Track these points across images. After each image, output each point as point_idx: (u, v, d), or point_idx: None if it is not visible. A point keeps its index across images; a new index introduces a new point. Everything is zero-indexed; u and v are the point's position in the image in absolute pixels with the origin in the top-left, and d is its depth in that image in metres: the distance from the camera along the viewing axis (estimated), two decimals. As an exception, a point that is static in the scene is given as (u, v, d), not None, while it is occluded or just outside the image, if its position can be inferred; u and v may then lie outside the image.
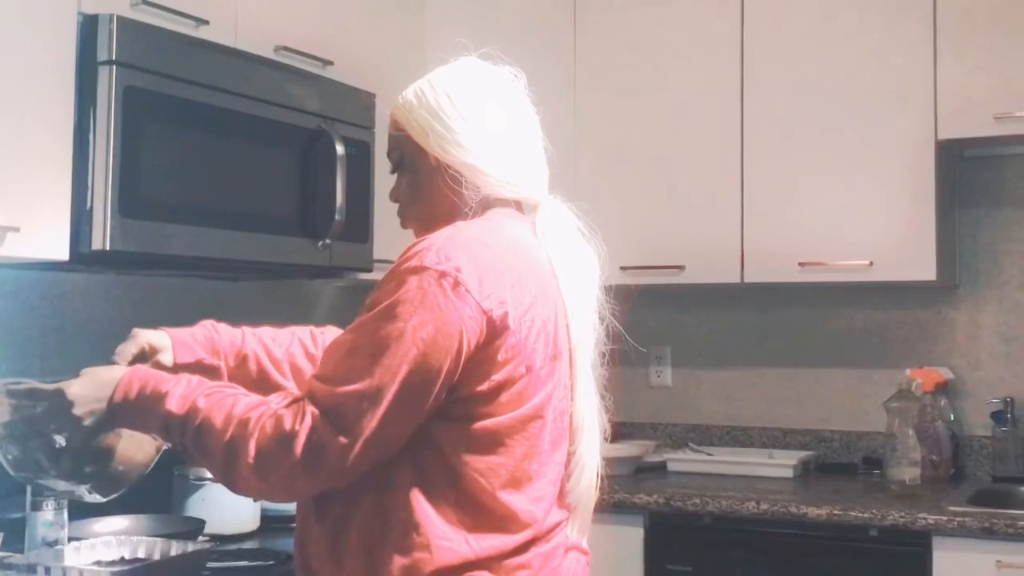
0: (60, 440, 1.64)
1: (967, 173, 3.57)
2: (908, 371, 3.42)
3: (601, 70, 3.66)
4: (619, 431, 3.90)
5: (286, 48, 2.82)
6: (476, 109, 1.72)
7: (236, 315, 3.14)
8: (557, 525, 1.68)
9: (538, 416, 1.61)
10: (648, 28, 3.61)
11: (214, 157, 2.56)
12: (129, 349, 1.85)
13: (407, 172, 1.75)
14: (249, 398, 1.57)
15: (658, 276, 3.54)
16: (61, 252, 2.29)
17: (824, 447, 3.70)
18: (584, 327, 1.74)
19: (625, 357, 3.88)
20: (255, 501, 2.69)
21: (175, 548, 2.19)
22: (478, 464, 1.56)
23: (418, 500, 1.54)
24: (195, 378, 1.63)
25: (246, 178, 2.64)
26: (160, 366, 1.81)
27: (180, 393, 1.58)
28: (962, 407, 3.53)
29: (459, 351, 1.51)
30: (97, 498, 1.78)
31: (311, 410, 1.50)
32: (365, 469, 1.52)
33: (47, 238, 2.25)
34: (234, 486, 1.57)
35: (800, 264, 3.36)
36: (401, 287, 1.51)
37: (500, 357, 1.55)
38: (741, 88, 3.47)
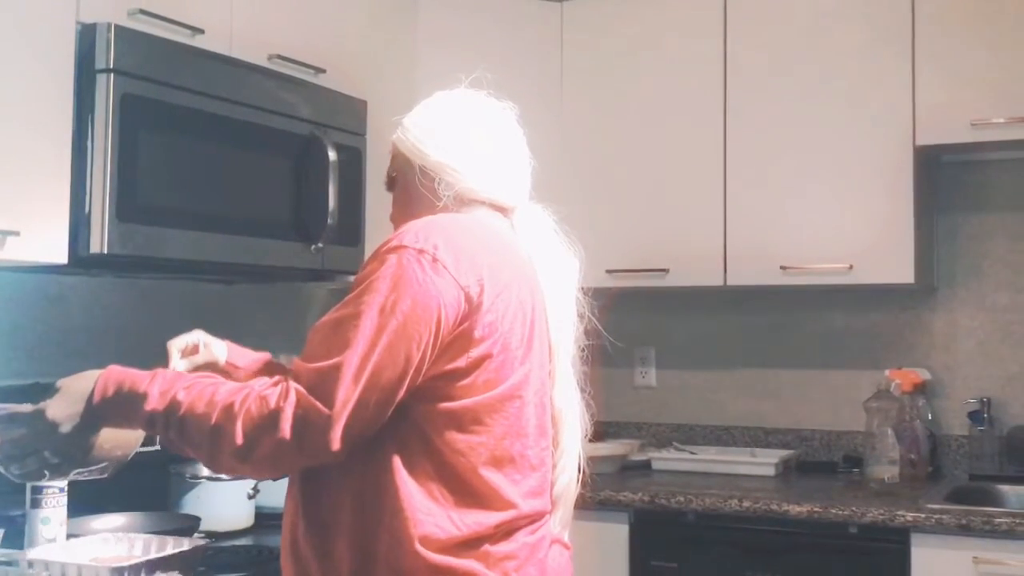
0: (53, 458, 1.67)
1: (945, 178, 3.61)
2: (887, 372, 3.47)
3: (587, 77, 3.71)
4: (605, 430, 3.96)
5: (279, 56, 2.84)
6: (459, 122, 1.84)
7: (231, 317, 3.20)
8: (542, 515, 1.71)
9: (516, 396, 1.65)
10: (633, 37, 3.65)
11: (209, 163, 2.58)
12: (184, 338, 1.99)
13: (396, 185, 1.86)
14: (228, 385, 1.59)
15: (643, 279, 3.59)
16: (60, 256, 2.30)
17: (805, 446, 3.74)
18: (563, 323, 1.80)
19: (609, 358, 3.96)
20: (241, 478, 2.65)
21: (171, 545, 2.19)
22: (459, 443, 1.60)
23: (402, 480, 1.57)
24: (171, 372, 1.66)
25: (240, 183, 2.66)
26: (213, 366, 1.99)
27: (159, 390, 1.59)
28: (939, 407, 3.57)
29: (438, 324, 1.55)
30: (99, 476, 1.80)
31: (295, 387, 1.52)
32: (349, 445, 1.53)
33: (46, 242, 2.27)
34: (220, 468, 1.61)
35: (782, 267, 3.40)
36: (382, 265, 1.56)
37: (477, 334, 1.59)
38: (724, 96, 3.51)
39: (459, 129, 1.83)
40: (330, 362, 1.52)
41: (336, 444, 1.51)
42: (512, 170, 1.86)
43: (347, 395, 1.50)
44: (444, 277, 1.56)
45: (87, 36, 2.35)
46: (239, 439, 1.52)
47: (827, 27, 3.40)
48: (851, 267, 3.33)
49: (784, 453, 3.65)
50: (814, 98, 3.40)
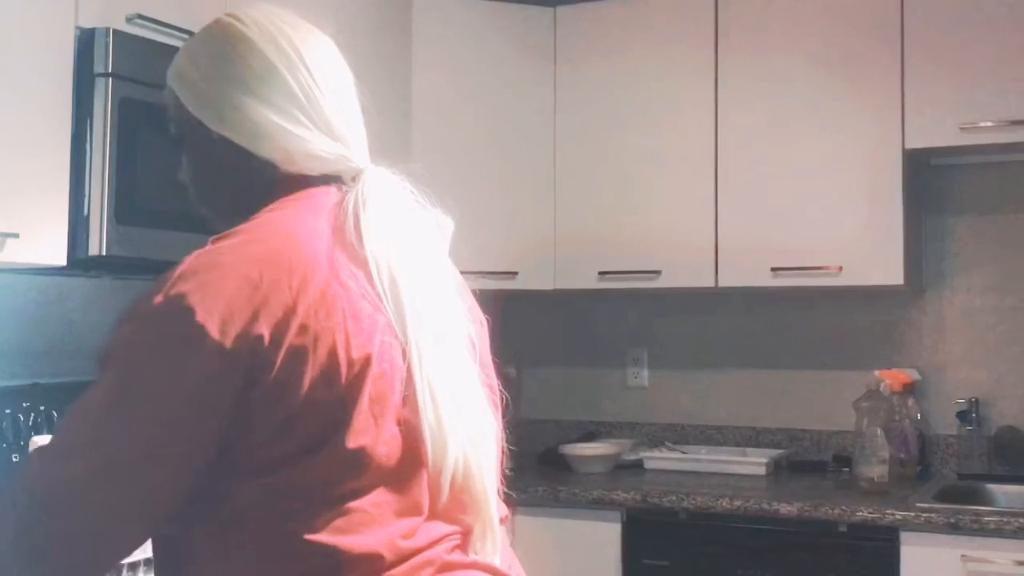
0: None
1: (933, 181, 3.63)
2: (876, 372, 3.47)
3: (580, 80, 3.73)
4: (597, 430, 4.00)
5: (275, 61, 2.87)
6: (263, 67, 1.40)
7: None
8: (431, 544, 1.35)
9: (342, 447, 1.28)
10: (625, 40, 3.68)
11: (206, 166, 2.61)
12: None
13: (186, 148, 1.47)
14: None
15: (635, 281, 3.61)
16: (59, 257, 2.33)
17: (795, 445, 3.76)
18: (427, 318, 1.37)
19: (602, 358, 3.98)
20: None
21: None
22: (291, 517, 1.27)
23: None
24: None
25: (237, 186, 2.70)
26: None
27: None
28: (928, 407, 3.59)
29: (211, 402, 1.22)
30: None
31: (17, 497, 1.22)
32: (114, 561, 1.24)
33: (46, 244, 2.30)
34: None
35: (772, 269, 3.42)
36: (131, 341, 1.25)
37: (272, 394, 1.24)
38: (715, 100, 3.53)
39: (277, 75, 1.40)
40: (68, 465, 1.21)
41: (92, 568, 1.23)
42: (351, 123, 1.45)
43: (86, 510, 1.20)
44: (204, 345, 1.20)
45: (86, 41, 2.38)
46: None
47: (817, 32, 3.43)
48: (841, 269, 3.35)
49: (775, 452, 3.67)
50: (804, 102, 3.42)
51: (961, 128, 3.22)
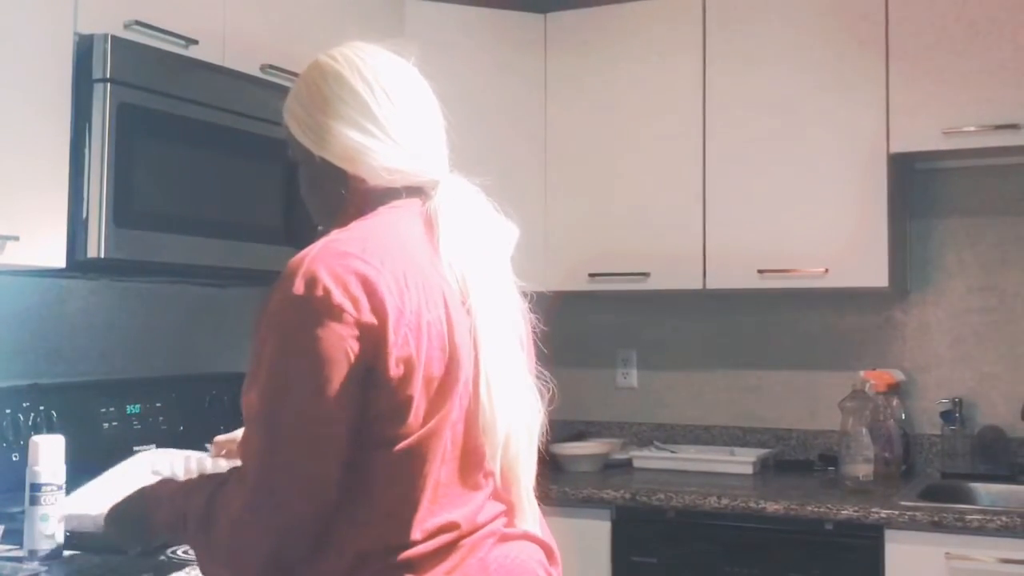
0: None
1: (918, 185, 3.66)
2: (862, 373, 3.50)
3: (570, 86, 3.76)
4: (587, 430, 4.02)
5: (271, 66, 2.87)
6: (351, 96, 1.61)
7: (224, 319, 3.25)
8: (494, 519, 1.58)
9: (447, 424, 1.48)
10: (615, 47, 3.70)
11: (203, 170, 2.62)
12: (227, 436, 2.08)
13: (300, 168, 1.67)
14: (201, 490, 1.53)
15: (625, 283, 3.63)
16: (58, 260, 2.34)
17: (782, 445, 3.79)
18: (490, 313, 1.57)
19: (592, 359, 3.99)
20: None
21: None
22: (400, 490, 1.47)
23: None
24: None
25: (234, 190, 2.70)
26: None
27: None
28: (913, 407, 3.62)
29: (352, 375, 1.40)
30: None
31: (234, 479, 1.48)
32: (303, 524, 1.43)
33: (45, 247, 2.31)
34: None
35: (759, 271, 3.45)
36: (277, 324, 1.44)
37: (392, 372, 1.42)
38: (703, 105, 3.56)
39: (361, 102, 1.60)
40: (252, 447, 1.45)
41: (291, 530, 1.44)
42: (429, 139, 1.64)
43: (271, 482, 1.42)
44: (345, 322, 1.40)
45: (84, 47, 2.39)
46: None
47: (803, 38, 3.45)
48: (827, 271, 3.38)
49: (762, 452, 3.69)
50: (791, 108, 3.45)
51: (945, 132, 3.25)
